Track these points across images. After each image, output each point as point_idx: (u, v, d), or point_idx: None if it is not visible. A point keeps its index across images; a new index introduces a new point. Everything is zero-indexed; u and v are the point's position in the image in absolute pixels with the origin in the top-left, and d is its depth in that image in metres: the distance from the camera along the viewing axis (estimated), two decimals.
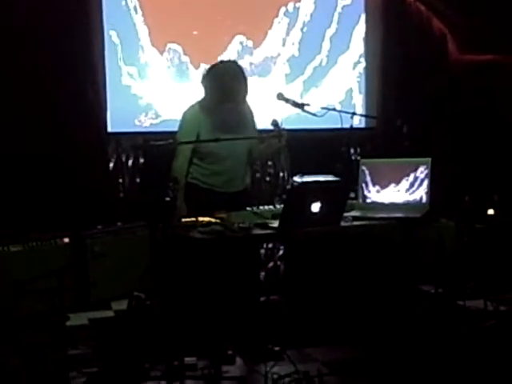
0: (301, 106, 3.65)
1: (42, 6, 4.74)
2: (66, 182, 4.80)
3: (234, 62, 3.85)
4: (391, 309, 3.69)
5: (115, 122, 5.06)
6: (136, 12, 5.10)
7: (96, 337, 3.79)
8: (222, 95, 3.63)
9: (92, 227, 4.60)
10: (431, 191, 3.49)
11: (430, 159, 3.55)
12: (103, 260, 4.42)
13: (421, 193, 3.52)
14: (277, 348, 3.56)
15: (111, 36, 5.03)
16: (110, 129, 5.05)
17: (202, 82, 3.74)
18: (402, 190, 3.57)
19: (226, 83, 3.62)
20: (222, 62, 3.86)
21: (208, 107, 3.69)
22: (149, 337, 3.39)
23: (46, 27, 4.74)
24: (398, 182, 3.58)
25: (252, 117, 3.83)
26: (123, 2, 5.06)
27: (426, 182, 3.51)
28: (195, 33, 5.23)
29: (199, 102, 3.74)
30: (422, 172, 3.53)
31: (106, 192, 5.00)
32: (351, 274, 3.86)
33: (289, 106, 3.68)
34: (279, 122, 3.59)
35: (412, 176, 3.55)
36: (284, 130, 3.56)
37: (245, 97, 3.71)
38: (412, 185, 3.55)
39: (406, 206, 3.52)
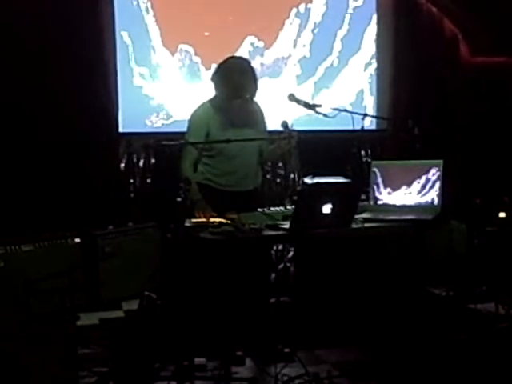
0: (312, 107, 3.64)
1: (54, 7, 4.76)
2: (77, 182, 4.82)
3: (243, 58, 3.86)
4: (401, 311, 3.67)
5: (126, 122, 5.08)
6: (148, 13, 5.12)
7: (106, 337, 3.80)
8: (230, 91, 3.64)
9: (103, 227, 4.62)
10: (443, 193, 3.47)
11: (441, 161, 3.53)
12: (114, 260, 4.43)
13: (432, 195, 3.51)
14: (287, 349, 3.56)
15: (123, 37, 5.05)
16: (121, 129, 5.07)
17: (212, 78, 3.75)
18: (413, 192, 3.56)
19: (234, 79, 3.62)
20: (231, 57, 3.86)
21: (218, 104, 3.69)
22: (159, 337, 3.40)
23: (58, 28, 4.76)
24: (409, 184, 3.57)
25: (262, 117, 3.83)
26: (135, 3, 5.07)
27: (437, 184, 3.50)
28: (206, 34, 5.24)
29: (210, 101, 3.75)
30: (433, 174, 3.52)
31: (117, 192, 5.01)
32: (362, 275, 3.85)
33: (300, 107, 3.67)
34: (289, 123, 3.58)
35: (424, 178, 3.54)
36: (294, 131, 3.56)
37: (254, 93, 3.71)
38: (423, 187, 3.53)
39: (418, 208, 3.50)
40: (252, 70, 3.71)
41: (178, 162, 3.66)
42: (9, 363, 3.08)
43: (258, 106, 3.81)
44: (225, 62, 3.76)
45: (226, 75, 3.66)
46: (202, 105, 3.77)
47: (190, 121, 3.76)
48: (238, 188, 3.69)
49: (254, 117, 3.77)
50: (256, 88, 3.72)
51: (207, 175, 3.69)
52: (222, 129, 3.62)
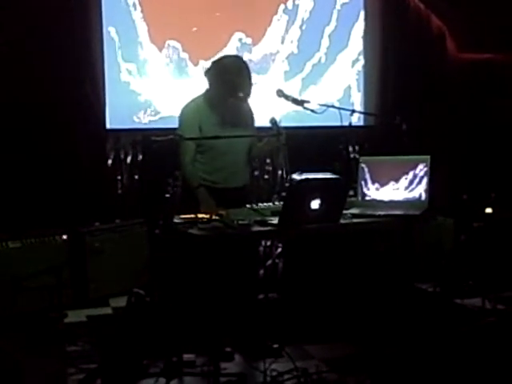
0: (300, 102, 3.64)
1: (41, 3, 4.73)
2: (64, 178, 4.79)
3: (239, 57, 3.85)
4: (389, 306, 3.69)
5: (114, 118, 5.06)
6: (135, 9, 5.09)
7: (94, 334, 3.79)
8: (226, 90, 3.62)
9: (90, 224, 4.60)
10: (430, 189, 3.49)
11: (429, 157, 3.55)
12: (102, 257, 4.42)
13: (420, 190, 3.52)
14: (275, 345, 3.57)
15: (110, 32, 5.02)
16: (108, 125, 5.05)
17: (206, 74, 3.73)
18: (401, 188, 3.57)
19: (230, 78, 3.61)
20: (226, 56, 3.86)
21: (211, 101, 3.68)
22: (147, 333, 3.39)
23: (45, 24, 4.73)
24: (397, 180, 3.58)
25: (252, 115, 3.84)
26: None
27: (424, 180, 3.51)
28: (194, 29, 5.23)
29: (203, 96, 3.73)
30: (421, 170, 3.53)
31: (105, 189, 5.00)
32: (350, 271, 3.86)
33: (288, 102, 3.67)
34: (278, 120, 3.58)
35: (411, 174, 3.55)
36: (282, 127, 3.56)
37: (249, 92, 3.70)
38: (411, 182, 3.55)
39: (405, 203, 3.52)
40: (247, 69, 3.69)
41: (177, 159, 3.64)
42: None
43: (248, 104, 3.81)
44: (220, 59, 3.74)
45: (221, 74, 3.64)
46: (194, 100, 3.75)
47: (181, 116, 3.73)
48: (228, 185, 3.69)
49: (246, 117, 3.78)
50: (251, 88, 3.71)
51: (199, 173, 3.68)
52: (214, 126, 3.62)
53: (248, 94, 3.71)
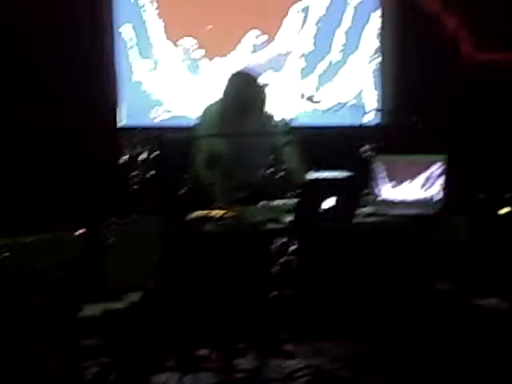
0: (315, 101, 3.64)
1: (52, 3, 4.76)
2: (80, 174, 4.83)
3: (250, 74, 3.78)
4: (405, 306, 3.68)
5: (127, 116, 5.08)
6: (150, 6, 5.11)
7: (109, 328, 3.81)
8: (239, 106, 3.58)
9: (106, 219, 4.62)
10: (446, 188, 3.48)
11: (444, 156, 3.54)
12: (116, 251, 4.44)
13: (435, 190, 3.51)
14: (289, 342, 3.57)
15: (124, 30, 5.04)
16: (122, 123, 5.07)
17: (223, 92, 3.68)
18: (416, 187, 3.57)
19: (243, 95, 3.57)
20: (240, 72, 3.83)
21: (228, 117, 3.65)
22: (161, 328, 3.41)
23: (58, 21, 4.76)
24: (412, 179, 3.58)
25: (270, 130, 3.75)
26: None
27: (440, 179, 3.50)
28: (209, 27, 5.24)
29: (220, 111, 3.68)
30: (437, 169, 3.52)
31: (120, 185, 5.02)
32: (364, 270, 3.85)
33: (303, 101, 3.67)
34: (290, 118, 3.58)
35: (427, 173, 3.54)
36: (291, 126, 3.54)
37: (263, 108, 3.66)
38: (427, 182, 3.54)
39: (421, 202, 3.51)
40: (258, 86, 3.64)
41: (191, 156, 3.65)
42: (12, 354, 3.09)
43: (268, 116, 3.74)
44: (232, 76, 3.71)
45: (231, 91, 3.61)
46: (211, 111, 3.70)
47: (201, 116, 3.71)
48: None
49: (260, 140, 3.72)
50: (265, 102, 3.66)
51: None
52: (226, 149, 3.59)
53: (262, 109, 3.66)
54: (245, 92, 3.59)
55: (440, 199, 3.49)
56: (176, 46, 5.19)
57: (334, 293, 3.82)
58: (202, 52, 5.24)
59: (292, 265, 4.59)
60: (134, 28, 5.05)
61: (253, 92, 3.60)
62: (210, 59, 5.23)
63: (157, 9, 5.12)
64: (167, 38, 5.16)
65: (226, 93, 3.66)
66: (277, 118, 3.67)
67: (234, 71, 3.81)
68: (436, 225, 3.55)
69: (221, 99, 3.69)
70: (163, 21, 5.13)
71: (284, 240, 4.64)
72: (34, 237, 4.22)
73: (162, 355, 3.35)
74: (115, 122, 5.05)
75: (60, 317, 3.89)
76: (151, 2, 5.10)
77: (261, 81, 3.67)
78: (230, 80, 3.68)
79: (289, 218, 3.18)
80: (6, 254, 4.04)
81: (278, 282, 4.10)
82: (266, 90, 3.66)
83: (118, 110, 5.04)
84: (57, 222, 4.38)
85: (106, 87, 4.99)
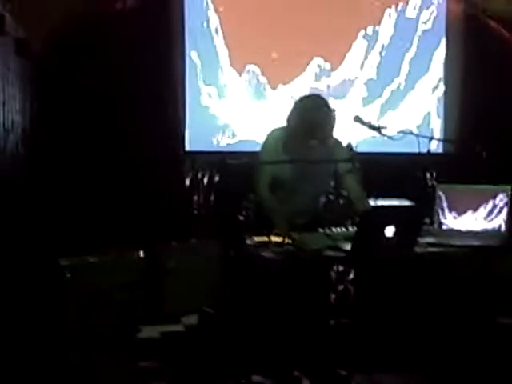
0: (377, 128, 3.61)
1: (127, 26, 4.91)
2: (143, 198, 4.93)
3: (320, 97, 3.68)
4: (466, 340, 3.58)
5: (193, 141, 5.17)
6: (217, 33, 5.22)
7: (166, 350, 3.84)
8: (306, 130, 3.55)
9: (167, 243, 4.69)
10: (510, 219, 3.39)
11: (510, 186, 3.45)
12: (176, 275, 4.49)
13: (499, 221, 3.42)
14: (344, 373, 3.52)
15: (192, 56, 5.16)
16: (188, 148, 5.17)
17: (288, 117, 3.67)
18: (479, 218, 3.48)
19: (309, 117, 3.54)
20: (308, 95, 3.80)
21: (292, 142, 3.60)
22: (217, 353, 3.42)
23: (130, 48, 4.91)
24: (475, 209, 3.49)
25: (337, 156, 3.67)
26: (205, 24, 5.19)
27: (505, 210, 3.41)
28: (274, 55, 5.30)
29: (286, 133, 3.63)
30: (501, 199, 3.43)
31: (182, 209, 5.10)
32: (424, 301, 3.77)
33: (365, 128, 3.65)
34: (353, 145, 3.56)
35: (491, 203, 3.46)
36: (356, 152, 3.51)
37: (331, 133, 3.63)
38: (490, 212, 3.45)
39: (484, 233, 3.42)
40: (328, 108, 3.57)
41: (253, 182, 3.64)
42: (73, 373, 3.15)
43: (335, 141, 3.68)
44: (302, 98, 3.67)
45: (300, 112, 3.58)
46: (278, 130, 3.69)
47: (265, 141, 3.69)
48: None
49: (324, 166, 3.66)
50: (333, 127, 3.63)
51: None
52: (289, 176, 3.60)
53: (330, 134, 3.63)
54: (313, 114, 3.54)
55: (504, 230, 3.40)
56: (241, 73, 5.27)
57: (391, 323, 3.75)
58: (266, 80, 5.30)
59: (350, 294, 4.55)
60: (199, 55, 5.16)
61: (322, 114, 3.56)
62: (274, 88, 5.29)
63: (223, 37, 5.22)
64: (231, 66, 5.24)
65: (292, 115, 3.62)
66: (342, 144, 3.65)
67: (302, 95, 3.80)
68: (499, 256, 3.45)
69: (287, 123, 3.66)
70: (228, 49, 5.22)
71: (343, 268, 4.62)
72: (97, 258, 4.32)
73: (216, 380, 3.35)
74: (182, 146, 5.14)
75: (120, 337, 3.95)
76: (216, 31, 5.20)
77: (329, 104, 3.64)
78: (298, 103, 3.64)
79: (348, 246, 3.15)
80: (68, 275, 4.15)
81: (336, 310, 4.05)
82: (335, 115, 3.63)
83: (184, 134, 5.14)
84: (119, 245, 4.48)
85: (174, 111, 5.10)
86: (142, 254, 4.47)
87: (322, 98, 3.66)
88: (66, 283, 4.11)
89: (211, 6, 5.19)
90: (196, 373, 3.31)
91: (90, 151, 4.86)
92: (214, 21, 5.20)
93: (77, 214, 4.75)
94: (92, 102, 4.85)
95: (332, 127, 3.62)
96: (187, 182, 5.16)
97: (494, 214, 3.44)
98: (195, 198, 5.16)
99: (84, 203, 4.79)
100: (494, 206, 3.45)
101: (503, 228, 3.41)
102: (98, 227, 4.69)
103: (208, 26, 5.20)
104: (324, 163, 3.66)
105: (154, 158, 4.99)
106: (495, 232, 3.41)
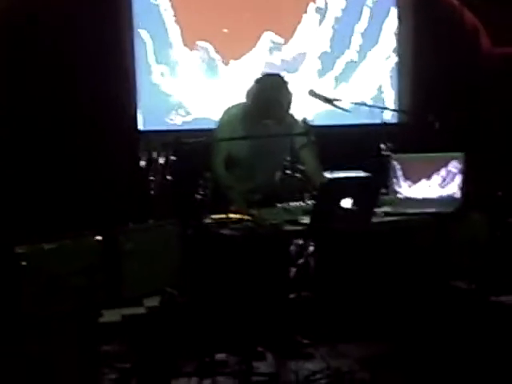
0: (332, 101, 3.61)
1: (73, 7, 4.80)
2: (97, 180, 4.86)
3: (280, 77, 3.68)
4: (423, 305, 3.64)
5: (146, 120, 5.10)
6: (166, 10, 5.13)
7: (128, 333, 3.82)
8: (262, 109, 3.54)
9: (124, 225, 4.63)
10: (464, 186, 3.44)
11: (462, 154, 3.49)
12: (135, 257, 4.44)
13: (453, 188, 3.47)
14: (306, 341, 3.54)
15: (141, 34, 5.07)
16: (141, 127, 5.10)
17: (247, 95, 3.65)
18: (434, 185, 3.53)
19: (267, 97, 3.53)
20: (268, 74, 3.79)
21: (250, 120, 3.59)
22: (180, 333, 3.41)
23: (77, 27, 4.80)
24: (429, 177, 3.54)
25: (291, 130, 3.66)
26: (153, 1, 5.09)
27: (458, 177, 3.46)
28: (225, 30, 5.24)
29: (244, 111, 3.63)
30: (454, 167, 3.48)
31: (138, 190, 5.04)
32: (382, 269, 3.82)
33: (320, 102, 3.64)
34: (309, 118, 3.55)
35: (444, 171, 3.50)
36: (311, 126, 3.51)
37: (287, 113, 3.62)
38: (444, 179, 3.49)
39: (439, 201, 3.47)
40: (286, 89, 3.58)
41: (209, 160, 3.61)
42: (32, 360, 3.11)
43: (290, 118, 3.67)
44: (261, 77, 3.65)
45: (260, 93, 3.55)
46: (235, 107, 3.65)
47: (221, 119, 3.66)
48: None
49: (284, 142, 3.69)
50: (290, 106, 3.62)
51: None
52: (246, 151, 3.59)
53: (287, 112, 3.61)
54: (270, 94, 3.53)
55: (458, 197, 3.45)
56: (192, 50, 5.20)
57: (352, 293, 3.80)
58: (218, 56, 5.25)
59: (310, 267, 4.58)
60: (150, 33, 5.07)
61: (278, 96, 3.55)
62: (226, 64, 5.24)
63: (173, 14, 5.14)
64: (182, 43, 5.17)
65: (250, 93, 3.60)
66: (298, 120, 3.64)
67: (262, 74, 3.77)
68: (454, 222, 3.51)
69: (246, 99, 3.63)
70: (179, 26, 5.15)
71: (301, 242, 4.64)
72: (54, 244, 4.25)
73: (180, 360, 3.35)
74: (135, 126, 5.07)
75: (80, 323, 3.90)
76: (165, 8, 5.12)
77: (288, 85, 3.63)
78: (258, 81, 3.62)
79: (306, 220, 3.15)
80: (24, 263, 4.07)
81: (296, 284, 4.08)
82: (292, 92, 3.63)
83: (136, 113, 5.07)
84: (75, 230, 4.41)
85: (125, 90, 5.01)
86: (99, 237, 4.41)
87: (282, 78, 3.64)
88: (22, 271, 4.04)
89: None
90: (160, 354, 3.29)
91: (41, 135, 4.76)
92: None
93: (31, 201, 4.66)
94: (40, 84, 4.74)
95: (288, 108, 3.61)
96: (142, 162, 5.09)
97: (447, 181, 3.49)
98: (151, 178, 5.10)
99: (38, 190, 4.70)
100: (448, 173, 3.49)
101: (457, 194, 3.46)
102: (54, 213, 4.61)
103: (157, 3, 5.11)
104: (280, 139, 3.65)
105: (106, 139, 4.91)
106: (450, 198, 3.46)
